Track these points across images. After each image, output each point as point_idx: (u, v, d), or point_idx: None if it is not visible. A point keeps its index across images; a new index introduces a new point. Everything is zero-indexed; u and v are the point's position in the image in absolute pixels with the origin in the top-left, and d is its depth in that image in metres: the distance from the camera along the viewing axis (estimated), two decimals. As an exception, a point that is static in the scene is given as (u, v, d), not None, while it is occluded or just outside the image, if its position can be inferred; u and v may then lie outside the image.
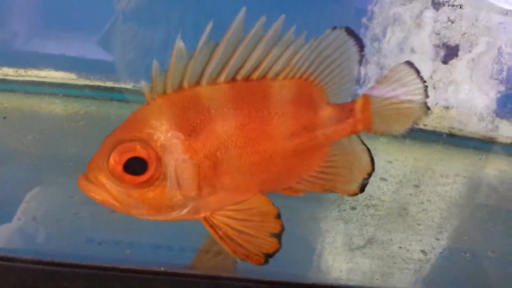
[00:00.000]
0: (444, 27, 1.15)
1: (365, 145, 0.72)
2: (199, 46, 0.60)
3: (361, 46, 0.69)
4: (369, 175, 0.73)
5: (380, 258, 0.81)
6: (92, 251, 0.77)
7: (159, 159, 0.60)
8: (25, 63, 1.13)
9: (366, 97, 0.70)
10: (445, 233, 0.88)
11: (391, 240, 0.85)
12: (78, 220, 0.81)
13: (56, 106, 1.09)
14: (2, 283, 0.67)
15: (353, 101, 0.70)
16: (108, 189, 0.61)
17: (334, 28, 0.67)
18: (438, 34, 1.15)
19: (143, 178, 0.60)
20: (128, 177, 0.60)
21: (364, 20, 1.16)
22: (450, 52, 1.16)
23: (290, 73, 0.66)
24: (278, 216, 0.67)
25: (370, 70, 1.16)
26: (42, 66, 1.12)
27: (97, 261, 0.70)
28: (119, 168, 0.59)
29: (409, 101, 0.70)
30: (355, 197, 0.92)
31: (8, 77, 1.13)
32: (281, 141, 0.66)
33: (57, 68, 1.12)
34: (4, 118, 1.03)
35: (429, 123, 1.16)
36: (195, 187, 0.63)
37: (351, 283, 0.75)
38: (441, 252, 0.85)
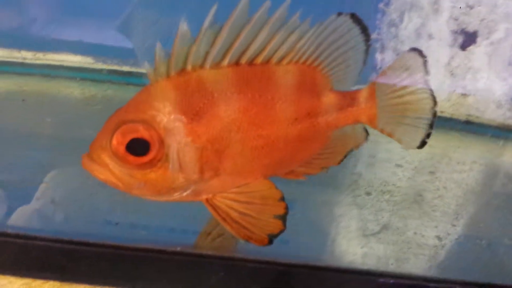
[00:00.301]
0: (462, 12, 1.13)
1: (366, 132, 0.73)
2: (203, 29, 0.60)
3: (367, 34, 0.69)
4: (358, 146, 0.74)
5: (395, 243, 0.81)
6: (108, 231, 0.78)
7: (161, 141, 0.61)
8: (43, 47, 1.14)
9: (371, 87, 0.69)
10: (461, 220, 0.88)
11: (406, 226, 0.85)
12: (94, 201, 0.82)
13: (74, 90, 1.10)
14: (23, 261, 0.69)
15: (358, 90, 0.70)
16: (111, 169, 0.61)
17: (340, 14, 0.67)
18: (456, 20, 1.13)
19: (145, 159, 0.60)
20: (131, 157, 0.60)
21: (381, 5, 1.14)
22: (468, 39, 1.15)
23: (294, 58, 0.66)
24: (282, 199, 0.67)
25: (387, 56, 1.15)
26: (60, 50, 1.13)
27: (114, 241, 0.71)
28: (122, 149, 0.60)
29: (415, 92, 0.69)
30: (371, 183, 0.92)
31: (26, 61, 1.14)
32: (284, 126, 0.66)
33: (75, 52, 1.13)
34: (23, 100, 1.05)
35: (446, 109, 1.15)
36: (197, 170, 0.63)
37: (365, 267, 0.75)
38: (457, 239, 0.84)
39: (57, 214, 0.80)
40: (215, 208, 0.66)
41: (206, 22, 0.60)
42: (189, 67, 0.61)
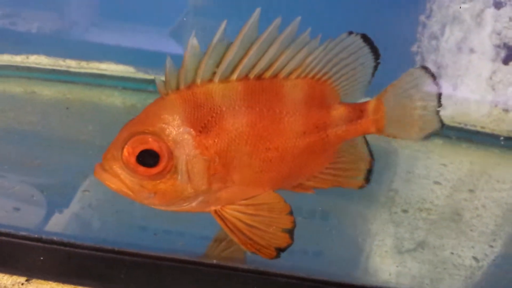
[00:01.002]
0: (505, 26, 1.11)
1: (365, 140, 0.74)
2: (212, 44, 0.61)
3: (376, 55, 0.70)
4: (371, 165, 0.74)
5: (431, 263, 0.80)
6: (144, 238, 0.80)
7: (170, 153, 0.62)
8: (87, 55, 1.17)
9: (379, 99, 0.70)
10: (499, 241, 0.86)
11: (443, 245, 0.83)
12: (131, 207, 0.83)
13: (115, 99, 1.13)
14: (63, 268, 0.71)
15: (366, 102, 0.70)
16: (122, 179, 0.63)
17: (351, 33, 0.68)
18: (499, 34, 1.11)
19: (155, 170, 0.62)
20: (141, 168, 0.62)
21: (422, 17, 1.13)
22: (511, 53, 1.12)
23: (303, 73, 0.67)
24: (290, 213, 0.68)
25: (427, 69, 1.13)
26: (103, 58, 1.16)
27: (151, 250, 0.72)
28: (133, 160, 0.62)
29: (422, 108, 0.70)
30: (408, 200, 0.91)
31: (71, 69, 1.18)
32: (293, 140, 0.66)
33: (117, 61, 1.16)
34: (67, 108, 1.08)
35: (486, 125, 1.12)
36: (205, 182, 0.64)
37: (400, 287, 0.75)
38: (494, 260, 0.82)
39: (94, 220, 0.82)
40: (223, 219, 0.67)
41: (216, 37, 0.61)
42: (198, 81, 0.63)
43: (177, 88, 0.63)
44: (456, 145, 1.10)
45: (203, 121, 0.63)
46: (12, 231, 0.72)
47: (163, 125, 0.62)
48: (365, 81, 0.71)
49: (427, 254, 0.81)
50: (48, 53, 1.17)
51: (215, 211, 0.67)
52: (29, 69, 1.17)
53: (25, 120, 1.04)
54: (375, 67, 0.71)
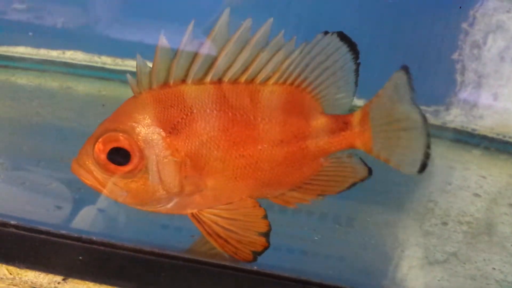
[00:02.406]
0: (549, 38, 1.08)
1: (367, 166, 0.69)
2: (181, 45, 0.61)
3: (355, 52, 0.66)
4: (362, 180, 0.70)
5: (473, 277, 0.78)
6: (166, 235, 0.80)
7: (141, 152, 0.62)
8: (122, 52, 1.17)
9: (364, 110, 0.66)
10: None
11: (484, 260, 0.81)
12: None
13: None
14: (101, 268, 0.70)
15: (350, 113, 0.67)
16: (95, 175, 0.63)
17: (326, 32, 0.65)
18: (543, 44, 1.08)
19: (125, 168, 0.62)
20: (112, 166, 0.62)
21: (464, 25, 1.11)
22: (554, 64, 1.09)
23: (281, 79, 0.65)
24: (265, 217, 0.67)
25: (467, 78, 1.11)
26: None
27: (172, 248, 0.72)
28: (103, 157, 0.62)
29: (408, 125, 0.65)
30: (447, 212, 0.89)
31: (106, 66, 1.18)
32: (269, 147, 0.65)
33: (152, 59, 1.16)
34: (103, 105, 1.08)
35: (527, 137, 1.10)
36: (177, 184, 0.63)
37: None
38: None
39: (120, 217, 0.81)
40: (200, 222, 0.67)
41: (185, 38, 0.60)
42: (171, 81, 0.62)
43: (150, 87, 0.62)
44: (494, 156, 1.07)
45: (173, 122, 0.62)
46: (51, 229, 0.71)
47: (134, 124, 0.62)
48: (349, 90, 0.68)
49: (469, 269, 0.79)
50: (84, 49, 1.17)
51: (192, 214, 0.67)
52: (65, 64, 1.19)
53: (62, 115, 1.04)
54: (357, 70, 0.67)
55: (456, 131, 1.11)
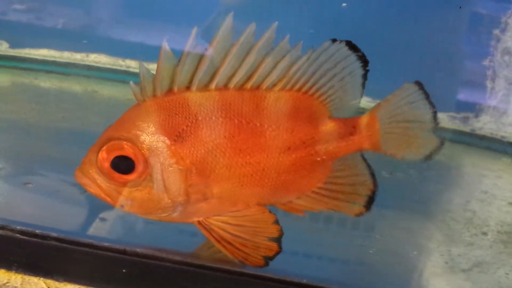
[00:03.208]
0: None
1: (366, 162, 0.69)
2: (185, 51, 0.60)
3: (364, 62, 0.65)
4: (373, 192, 0.69)
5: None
6: (183, 241, 0.77)
7: (146, 161, 0.61)
8: (146, 56, 1.15)
9: (372, 114, 0.66)
10: None
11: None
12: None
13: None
14: (144, 281, 0.69)
15: (358, 117, 0.67)
16: (99, 184, 0.62)
17: (334, 40, 0.64)
18: None
19: (130, 177, 0.61)
20: (115, 174, 0.61)
21: (496, 31, 1.10)
22: None
23: (288, 85, 0.64)
24: (276, 222, 0.66)
25: (498, 85, 1.10)
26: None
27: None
28: (107, 165, 0.61)
29: (418, 127, 0.66)
30: (487, 222, 0.88)
31: (130, 69, 1.16)
32: (276, 155, 0.64)
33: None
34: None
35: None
36: (182, 193, 0.62)
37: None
38: None
39: (138, 223, 0.79)
40: (207, 229, 0.66)
41: (188, 44, 0.59)
42: (175, 88, 0.61)
43: (154, 95, 0.61)
44: (526, 163, 1.07)
45: (177, 130, 0.61)
46: (94, 241, 0.70)
47: (138, 132, 0.61)
48: (356, 93, 0.67)
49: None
50: (108, 52, 1.15)
51: (199, 222, 0.66)
52: (88, 68, 1.17)
53: (89, 120, 1.03)
54: (365, 76, 0.66)
55: (485, 138, 1.10)
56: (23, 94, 1.13)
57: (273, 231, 0.66)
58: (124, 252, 0.69)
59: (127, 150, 0.60)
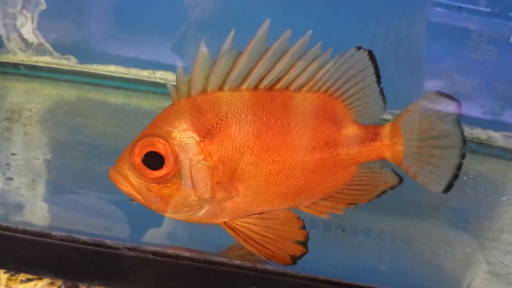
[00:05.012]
0: None
1: (398, 175, 0.69)
2: (221, 53, 0.62)
3: (378, 76, 0.67)
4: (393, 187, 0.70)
5: None
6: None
7: (176, 157, 0.63)
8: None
9: (394, 123, 0.67)
10: None
11: None
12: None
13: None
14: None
15: (381, 125, 0.68)
16: (130, 181, 0.65)
17: (359, 48, 0.66)
18: None
19: (159, 173, 0.63)
20: (146, 170, 0.63)
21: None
22: None
23: (314, 87, 0.66)
24: (303, 228, 0.67)
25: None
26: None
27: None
28: (138, 160, 0.63)
29: (444, 138, 0.66)
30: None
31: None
32: (301, 154, 0.65)
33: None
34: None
35: None
36: (209, 190, 0.64)
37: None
38: None
39: (185, 237, 0.80)
40: (234, 230, 0.67)
41: (224, 47, 0.62)
42: (209, 89, 0.64)
43: (189, 95, 0.64)
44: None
45: (207, 127, 0.63)
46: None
47: (170, 129, 0.63)
48: (378, 104, 0.68)
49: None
50: (174, 69, 1.20)
51: (225, 223, 0.67)
52: (155, 84, 1.21)
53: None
54: (381, 91, 0.68)
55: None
56: (92, 109, 1.17)
57: (300, 236, 0.67)
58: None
59: (158, 146, 0.63)
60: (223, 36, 0.63)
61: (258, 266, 0.67)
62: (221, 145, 0.63)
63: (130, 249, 0.67)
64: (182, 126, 0.63)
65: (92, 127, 1.04)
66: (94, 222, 0.78)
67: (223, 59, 0.62)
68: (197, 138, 0.63)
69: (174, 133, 0.63)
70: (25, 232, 0.68)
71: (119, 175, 0.65)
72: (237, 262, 0.67)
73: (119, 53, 1.23)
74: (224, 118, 0.64)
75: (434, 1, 1.04)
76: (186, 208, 0.65)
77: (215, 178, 0.64)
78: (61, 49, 1.24)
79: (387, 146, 0.67)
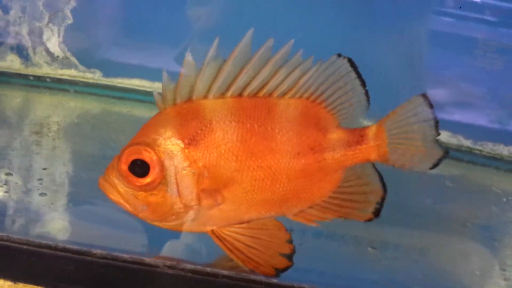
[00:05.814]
0: None
1: (377, 171, 0.70)
2: (206, 61, 0.64)
3: (362, 82, 0.68)
4: (383, 199, 0.70)
5: None
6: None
7: (161, 164, 0.64)
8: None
9: (379, 125, 0.68)
10: None
11: None
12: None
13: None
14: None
15: (365, 127, 0.69)
16: (118, 189, 0.66)
17: (339, 55, 0.68)
18: None
19: (145, 180, 0.64)
20: (132, 178, 0.65)
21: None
22: None
23: (297, 94, 0.67)
24: (290, 241, 0.67)
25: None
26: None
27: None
28: (125, 168, 0.64)
29: (421, 137, 0.67)
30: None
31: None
32: (286, 159, 0.66)
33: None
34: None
35: None
36: (194, 197, 0.65)
37: None
38: None
39: (203, 249, 0.79)
40: (220, 239, 0.67)
41: (209, 55, 0.64)
42: (194, 97, 0.65)
43: (174, 103, 0.66)
44: None
45: (191, 134, 0.64)
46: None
47: (156, 137, 0.65)
48: (362, 106, 0.69)
49: None
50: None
51: (212, 232, 0.68)
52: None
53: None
54: (366, 94, 0.69)
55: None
56: (118, 123, 1.18)
57: (286, 249, 0.67)
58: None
59: (144, 154, 0.64)
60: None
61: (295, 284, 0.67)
62: (205, 152, 0.64)
63: (169, 267, 0.67)
64: (167, 133, 0.65)
65: (120, 141, 1.04)
66: (128, 238, 0.80)
67: (207, 68, 0.64)
68: (182, 145, 0.64)
69: (159, 141, 0.65)
70: (65, 249, 0.68)
71: (108, 184, 0.66)
72: (283, 282, 0.67)
73: (143, 67, 1.24)
74: (208, 125, 0.65)
75: (439, 10, 1.07)
76: (173, 216, 0.66)
77: (200, 185, 0.65)
78: (86, 62, 1.26)
79: (373, 147, 0.68)
